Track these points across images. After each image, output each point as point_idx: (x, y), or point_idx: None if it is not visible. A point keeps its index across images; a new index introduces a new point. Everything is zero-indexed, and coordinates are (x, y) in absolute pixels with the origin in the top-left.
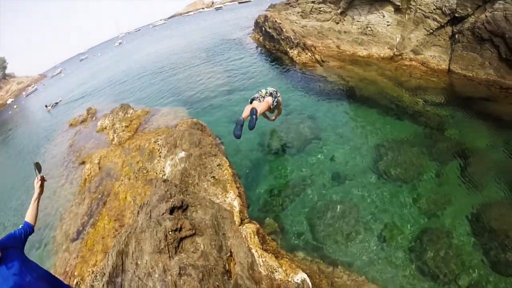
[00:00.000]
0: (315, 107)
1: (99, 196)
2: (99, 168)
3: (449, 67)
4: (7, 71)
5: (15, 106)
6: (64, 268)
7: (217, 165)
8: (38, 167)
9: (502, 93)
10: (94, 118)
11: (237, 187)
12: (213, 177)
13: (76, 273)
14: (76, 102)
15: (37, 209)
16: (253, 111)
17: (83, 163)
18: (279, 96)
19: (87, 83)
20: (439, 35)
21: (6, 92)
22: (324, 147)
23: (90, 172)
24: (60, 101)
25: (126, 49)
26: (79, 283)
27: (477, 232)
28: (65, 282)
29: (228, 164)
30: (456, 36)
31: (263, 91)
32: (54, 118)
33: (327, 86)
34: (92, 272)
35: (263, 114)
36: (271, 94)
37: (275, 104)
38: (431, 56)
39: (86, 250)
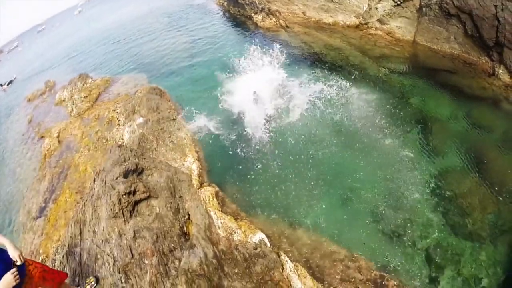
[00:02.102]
0: (276, 72)
1: (60, 170)
2: (59, 141)
3: (414, 38)
4: None
5: None
6: (29, 248)
7: (177, 129)
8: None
9: (466, 68)
10: (52, 91)
11: (197, 152)
12: (172, 141)
13: (41, 251)
14: (34, 76)
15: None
16: None
17: (42, 138)
18: None
19: (45, 55)
20: (406, 7)
21: None
22: (286, 114)
23: (50, 147)
24: (15, 78)
25: (86, 17)
26: (44, 260)
27: (436, 197)
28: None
29: (186, 128)
30: (424, 9)
31: None
32: (10, 96)
33: (291, 50)
34: (56, 248)
35: None
36: None
37: None
38: (397, 26)
39: (49, 226)
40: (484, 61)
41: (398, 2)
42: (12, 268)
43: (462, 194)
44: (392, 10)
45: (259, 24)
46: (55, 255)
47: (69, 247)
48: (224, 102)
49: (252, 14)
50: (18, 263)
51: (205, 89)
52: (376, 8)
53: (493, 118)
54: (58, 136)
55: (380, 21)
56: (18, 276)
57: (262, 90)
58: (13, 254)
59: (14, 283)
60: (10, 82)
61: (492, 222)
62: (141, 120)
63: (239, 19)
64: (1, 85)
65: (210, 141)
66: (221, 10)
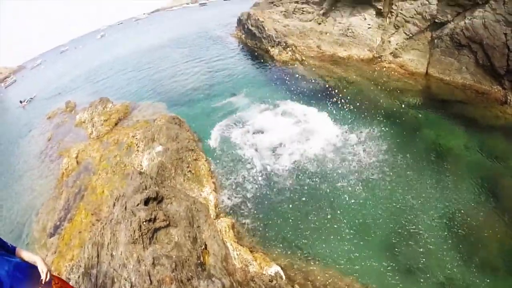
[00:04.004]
0: (293, 106)
1: (77, 190)
2: (77, 162)
3: (427, 70)
4: None
5: None
6: None
7: (194, 160)
8: None
9: (478, 97)
10: (73, 112)
11: (214, 182)
12: (190, 171)
13: (53, 268)
14: (55, 96)
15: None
16: None
17: (61, 156)
18: None
19: (67, 76)
20: (418, 40)
21: None
22: (303, 149)
23: (68, 166)
24: (35, 96)
25: (108, 42)
26: None
27: (450, 229)
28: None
29: (205, 158)
30: (435, 41)
31: None
32: (30, 113)
33: (307, 84)
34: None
35: None
36: None
37: None
38: (409, 59)
39: (63, 245)
40: (496, 90)
41: (410, 35)
42: (40, 284)
43: (477, 226)
44: (405, 43)
45: (276, 57)
46: (69, 274)
47: (86, 268)
48: (242, 135)
49: (269, 48)
50: (44, 279)
51: (223, 121)
52: (389, 42)
53: (507, 147)
54: (76, 157)
55: (393, 54)
56: None
57: (279, 127)
58: (43, 269)
59: None
60: (30, 99)
61: (508, 254)
62: (160, 148)
63: (256, 52)
64: (21, 102)
65: (228, 173)
66: (239, 43)
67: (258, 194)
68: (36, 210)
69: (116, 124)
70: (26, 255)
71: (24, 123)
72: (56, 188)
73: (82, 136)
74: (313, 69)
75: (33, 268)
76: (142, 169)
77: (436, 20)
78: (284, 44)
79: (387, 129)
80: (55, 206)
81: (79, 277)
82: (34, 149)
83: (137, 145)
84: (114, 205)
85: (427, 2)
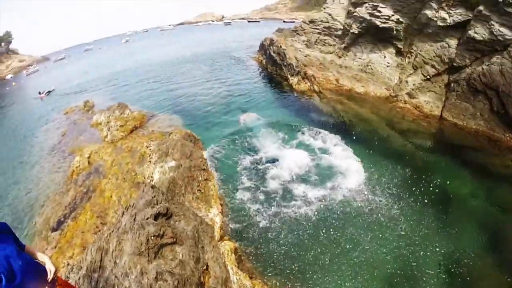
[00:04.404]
0: (307, 138)
1: (85, 190)
2: (89, 162)
3: (441, 114)
4: (11, 46)
5: (14, 83)
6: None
7: (205, 179)
8: None
9: (490, 145)
10: (90, 112)
11: (221, 204)
12: (199, 190)
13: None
14: (73, 93)
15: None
16: None
17: (73, 154)
18: None
19: (88, 75)
20: (435, 82)
21: (6, 67)
22: (313, 181)
23: (79, 165)
24: (54, 89)
25: (132, 48)
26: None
27: (450, 277)
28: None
29: (215, 180)
30: (452, 85)
31: None
32: (47, 105)
33: (322, 117)
34: (68, 264)
35: None
36: None
37: None
38: (425, 101)
39: (64, 241)
40: (509, 138)
41: (428, 77)
42: (46, 282)
43: (478, 276)
44: (422, 84)
45: (294, 86)
46: (69, 273)
47: (88, 270)
48: (255, 162)
49: (289, 76)
50: (50, 278)
51: (237, 146)
52: (407, 82)
53: None
54: (89, 157)
55: (409, 94)
56: None
57: (292, 158)
58: (51, 269)
59: None
60: (49, 92)
61: None
62: (173, 163)
63: (276, 78)
64: (40, 93)
65: (236, 196)
66: (259, 67)
67: (263, 222)
68: (41, 202)
69: (131, 131)
70: (36, 254)
71: (42, 114)
72: (64, 184)
73: (96, 137)
74: (330, 102)
75: (40, 266)
76: (152, 180)
77: (454, 64)
78: (304, 74)
79: (397, 170)
80: (61, 201)
81: (79, 278)
82: (48, 142)
83: (150, 156)
84: (123, 214)
85: (446, 45)
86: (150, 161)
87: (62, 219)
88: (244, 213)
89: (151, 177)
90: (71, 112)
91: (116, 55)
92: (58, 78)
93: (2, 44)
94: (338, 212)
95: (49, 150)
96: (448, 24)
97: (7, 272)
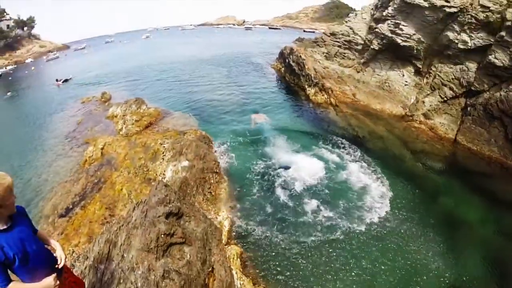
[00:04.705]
0: (320, 150)
1: (96, 180)
2: (102, 153)
3: (455, 137)
4: (33, 31)
5: (33, 68)
6: None
7: (216, 182)
8: None
9: (502, 172)
10: (107, 104)
11: (231, 207)
12: (210, 193)
13: None
14: (90, 83)
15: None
16: None
17: (86, 143)
18: None
19: (107, 67)
20: (452, 105)
21: (27, 51)
22: (324, 193)
23: (92, 155)
24: (71, 78)
25: (152, 44)
26: None
27: None
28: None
29: (226, 183)
30: (468, 108)
31: None
32: (63, 93)
33: (337, 131)
34: (73, 252)
35: None
36: None
37: None
38: (440, 123)
39: (71, 229)
40: None
41: (445, 99)
42: (55, 269)
43: None
44: (438, 106)
45: (311, 97)
46: (75, 261)
47: (94, 261)
48: (268, 168)
49: (306, 86)
50: (60, 266)
51: (251, 150)
52: (423, 102)
53: None
54: (102, 148)
55: (425, 115)
56: (58, 283)
57: (305, 168)
58: (61, 256)
59: None
60: (66, 80)
61: None
62: (186, 163)
63: (293, 88)
64: (57, 80)
65: (246, 201)
66: (277, 75)
67: (271, 231)
68: (50, 187)
69: (146, 127)
70: (49, 240)
71: (58, 101)
72: (76, 172)
73: (111, 129)
74: (346, 116)
75: (50, 252)
76: (164, 178)
77: (472, 88)
78: (321, 86)
79: (408, 190)
80: (71, 189)
81: (85, 268)
82: (63, 129)
83: (163, 153)
84: (134, 209)
85: (466, 69)
86: (163, 159)
87: (71, 207)
88: (253, 219)
89: (163, 174)
90: (87, 102)
91: (136, 50)
92: (77, 67)
93: (25, 28)
94: (346, 228)
95: (63, 137)
96: (469, 47)
97: (22, 254)
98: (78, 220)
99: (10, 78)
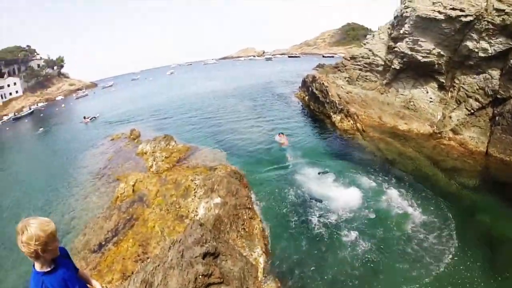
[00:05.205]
0: (351, 177)
1: (128, 217)
2: (133, 190)
3: (487, 149)
4: (62, 70)
5: (63, 105)
6: None
7: (249, 218)
8: None
9: None
10: (136, 141)
11: (265, 244)
12: (244, 229)
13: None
14: (118, 121)
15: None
16: None
17: (117, 180)
18: None
19: (135, 104)
20: (479, 116)
21: (57, 89)
22: (360, 224)
23: (124, 192)
24: (98, 116)
25: (177, 80)
26: None
27: None
28: None
29: (259, 219)
30: (497, 118)
31: None
32: (91, 130)
33: (366, 156)
34: None
35: None
36: None
37: None
38: (469, 137)
39: (104, 265)
40: None
41: (472, 111)
42: None
43: None
44: (466, 119)
45: (337, 124)
46: None
47: None
48: (300, 200)
49: (331, 114)
50: None
51: (281, 183)
52: (450, 117)
53: None
54: (133, 185)
55: (453, 130)
56: None
57: (339, 198)
58: None
59: None
60: (93, 118)
61: None
62: (218, 200)
63: (318, 116)
64: (84, 118)
65: (280, 236)
66: (301, 104)
67: (307, 265)
68: (83, 222)
69: (176, 163)
70: (90, 279)
71: (88, 138)
72: (108, 209)
73: (141, 166)
74: (373, 140)
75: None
76: (197, 215)
77: (498, 96)
78: (346, 112)
79: (441, 211)
80: (104, 225)
81: None
82: (94, 165)
83: (195, 190)
84: (169, 248)
85: (489, 77)
86: (194, 195)
87: (103, 243)
88: (288, 255)
89: (196, 211)
90: (117, 139)
91: (162, 87)
92: (105, 104)
93: (55, 67)
94: (388, 261)
95: (94, 173)
96: (489, 54)
97: None
98: (111, 257)
99: (41, 114)
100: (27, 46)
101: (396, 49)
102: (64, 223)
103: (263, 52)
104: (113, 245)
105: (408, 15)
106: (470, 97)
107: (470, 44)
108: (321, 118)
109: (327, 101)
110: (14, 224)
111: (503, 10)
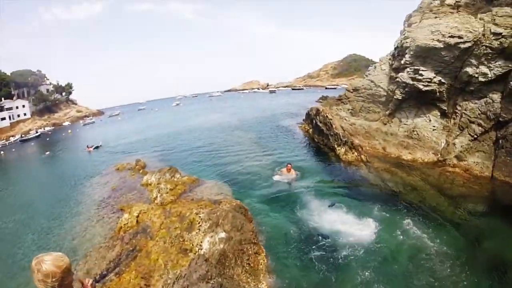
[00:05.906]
0: (357, 210)
1: (131, 248)
2: (137, 221)
3: (492, 174)
4: (70, 97)
5: (69, 131)
6: None
7: (255, 253)
8: None
9: None
10: (141, 171)
11: (270, 280)
12: (249, 264)
13: None
14: (122, 151)
15: None
16: None
17: (121, 210)
18: None
19: (140, 134)
20: (483, 141)
21: (65, 115)
22: (371, 260)
23: (127, 223)
24: (101, 145)
25: (182, 112)
26: None
27: None
28: None
29: (264, 253)
30: (500, 141)
31: None
32: (95, 159)
33: (371, 189)
34: None
35: None
36: None
37: None
38: (474, 162)
39: None
40: None
41: (475, 136)
42: None
43: None
44: (469, 144)
45: (342, 157)
46: None
47: None
48: (306, 235)
49: (336, 146)
50: None
51: (287, 215)
52: (454, 144)
53: None
54: (137, 216)
55: (458, 157)
56: None
57: (347, 233)
58: None
59: None
60: (97, 147)
61: None
62: (223, 235)
63: (323, 149)
64: (88, 146)
65: (286, 274)
66: (306, 137)
67: None
68: (85, 251)
69: (180, 195)
70: None
71: (94, 166)
72: (111, 239)
73: (145, 197)
74: (378, 171)
75: None
76: (201, 249)
77: (500, 119)
78: (351, 144)
79: (452, 239)
80: (106, 255)
81: None
82: (98, 194)
83: (199, 223)
84: (173, 283)
85: (490, 101)
86: (199, 229)
87: (105, 273)
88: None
89: (200, 245)
90: (122, 169)
91: (167, 118)
92: (112, 133)
93: (63, 93)
94: None
95: (98, 202)
96: (489, 78)
97: None
98: None
99: (48, 138)
100: (38, 70)
101: (397, 79)
102: (66, 251)
103: (267, 85)
104: (115, 276)
105: (408, 45)
106: (473, 122)
107: (469, 70)
108: (325, 151)
109: (331, 133)
110: (17, 248)
111: (500, 34)
